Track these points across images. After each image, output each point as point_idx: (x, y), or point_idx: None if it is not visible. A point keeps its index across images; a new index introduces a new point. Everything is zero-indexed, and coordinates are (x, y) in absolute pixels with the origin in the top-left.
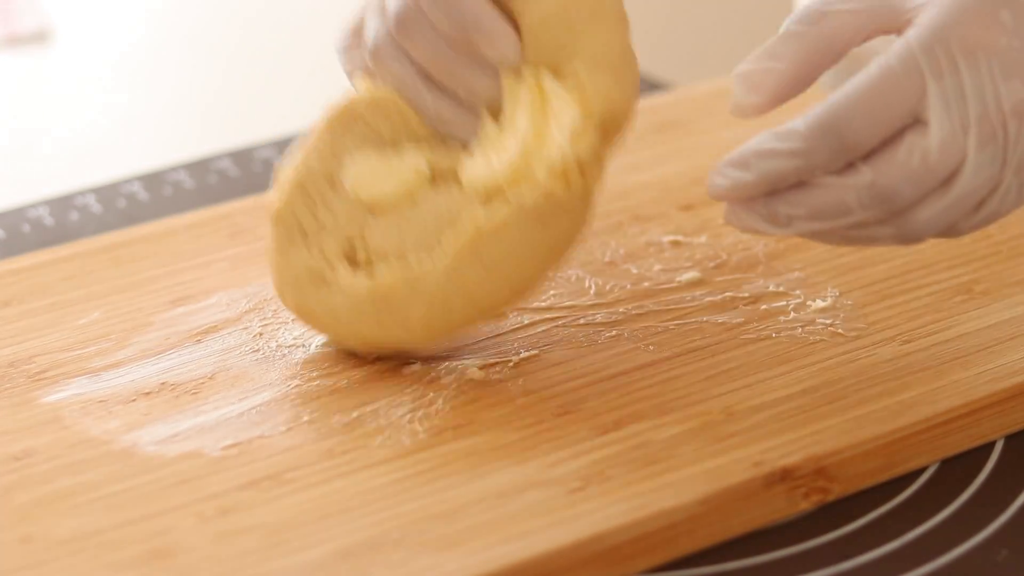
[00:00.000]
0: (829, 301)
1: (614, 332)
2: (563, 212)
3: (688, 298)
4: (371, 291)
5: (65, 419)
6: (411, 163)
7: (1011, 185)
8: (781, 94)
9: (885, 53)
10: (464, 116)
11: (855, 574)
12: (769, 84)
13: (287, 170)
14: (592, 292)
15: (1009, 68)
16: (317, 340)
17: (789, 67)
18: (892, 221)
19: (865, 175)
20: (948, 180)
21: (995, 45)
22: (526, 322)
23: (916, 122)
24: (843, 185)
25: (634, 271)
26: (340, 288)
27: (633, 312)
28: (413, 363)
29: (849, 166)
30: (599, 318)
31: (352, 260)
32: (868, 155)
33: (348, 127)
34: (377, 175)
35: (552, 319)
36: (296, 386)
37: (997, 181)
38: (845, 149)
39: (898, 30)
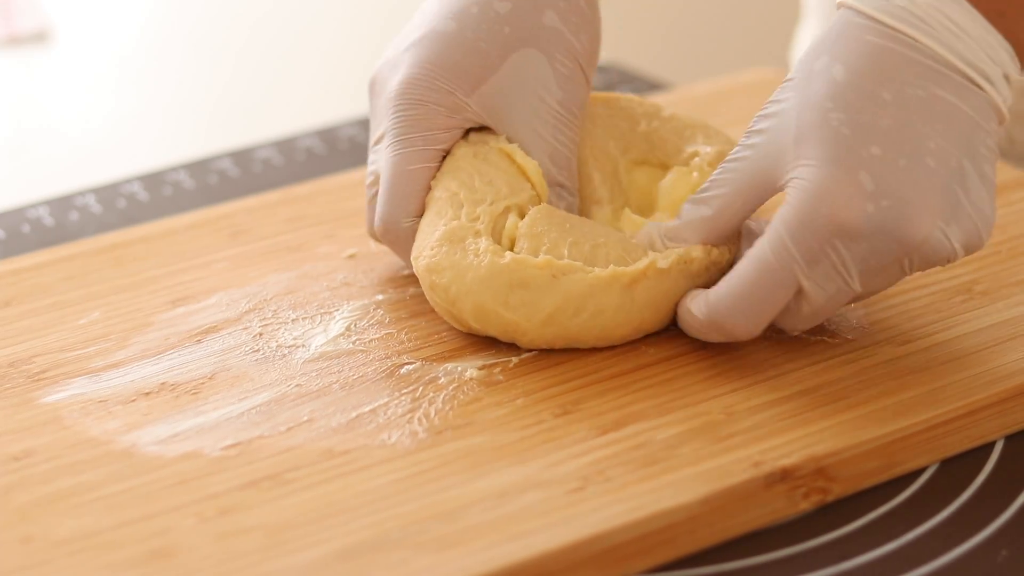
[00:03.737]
0: None
1: None
2: (709, 274)
3: None
4: (512, 267)
5: (65, 419)
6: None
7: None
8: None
9: (759, 242)
10: None
11: (855, 574)
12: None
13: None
14: None
15: (880, 230)
16: (317, 340)
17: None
18: None
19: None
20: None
21: (863, 215)
22: None
23: (800, 291)
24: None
25: None
26: (478, 253)
27: None
28: (413, 363)
29: None
30: None
31: (496, 237)
32: None
33: None
34: None
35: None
36: (296, 386)
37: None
38: (735, 337)
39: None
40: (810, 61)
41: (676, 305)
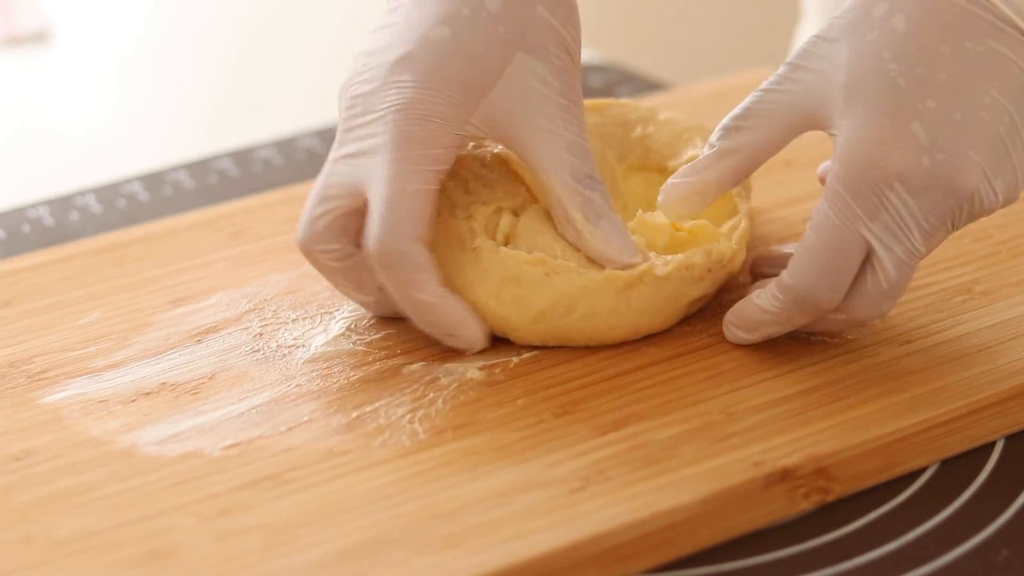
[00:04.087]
0: None
1: None
2: (707, 281)
3: None
4: (506, 262)
5: (65, 419)
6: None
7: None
8: (701, 205)
9: (817, 209)
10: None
11: (855, 574)
12: (694, 200)
13: None
14: None
15: (936, 183)
16: (318, 340)
17: (710, 184)
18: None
19: (841, 314)
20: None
21: (918, 167)
22: None
23: (870, 254)
24: (829, 320)
25: None
26: (473, 248)
27: None
28: (413, 363)
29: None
30: None
31: (491, 235)
32: None
33: None
34: None
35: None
36: (296, 386)
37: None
38: (821, 309)
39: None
40: (867, 6)
41: (684, 308)
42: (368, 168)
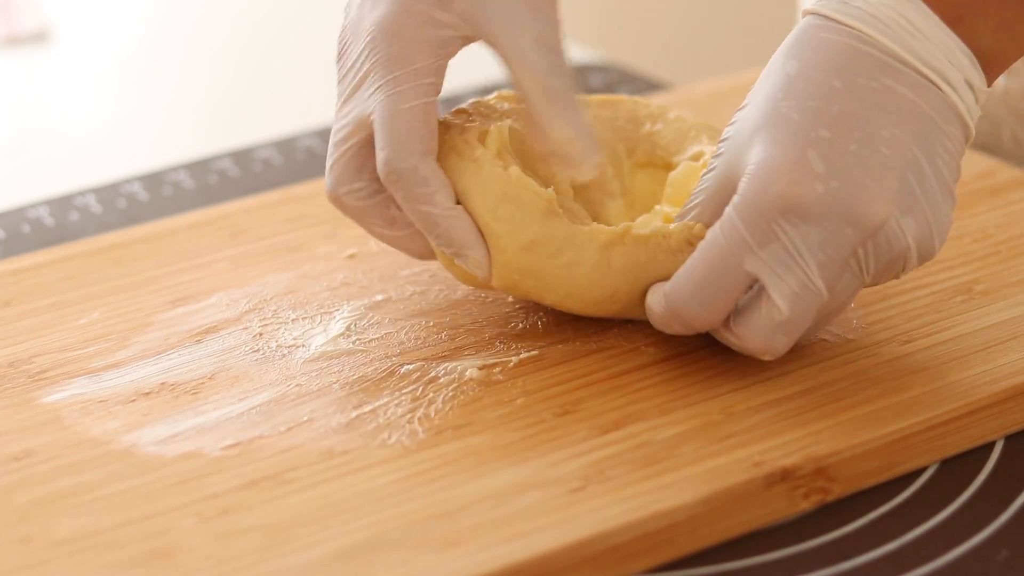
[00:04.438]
0: None
1: (614, 332)
2: (685, 255)
3: None
4: (514, 180)
5: (65, 419)
6: None
7: (864, 283)
8: None
9: (713, 228)
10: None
11: (855, 574)
12: None
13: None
14: None
15: (832, 211)
16: (317, 340)
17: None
18: None
19: (734, 338)
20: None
21: (812, 193)
22: (526, 321)
23: (763, 284)
24: (724, 338)
25: None
26: (475, 158)
27: None
28: (412, 363)
29: (724, 327)
30: (599, 318)
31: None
32: (735, 316)
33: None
34: None
35: (551, 319)
36: (296, 386)
37: (857, 287)
38: (695, 327)
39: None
40: (770, 64)
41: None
42: (365, 100)
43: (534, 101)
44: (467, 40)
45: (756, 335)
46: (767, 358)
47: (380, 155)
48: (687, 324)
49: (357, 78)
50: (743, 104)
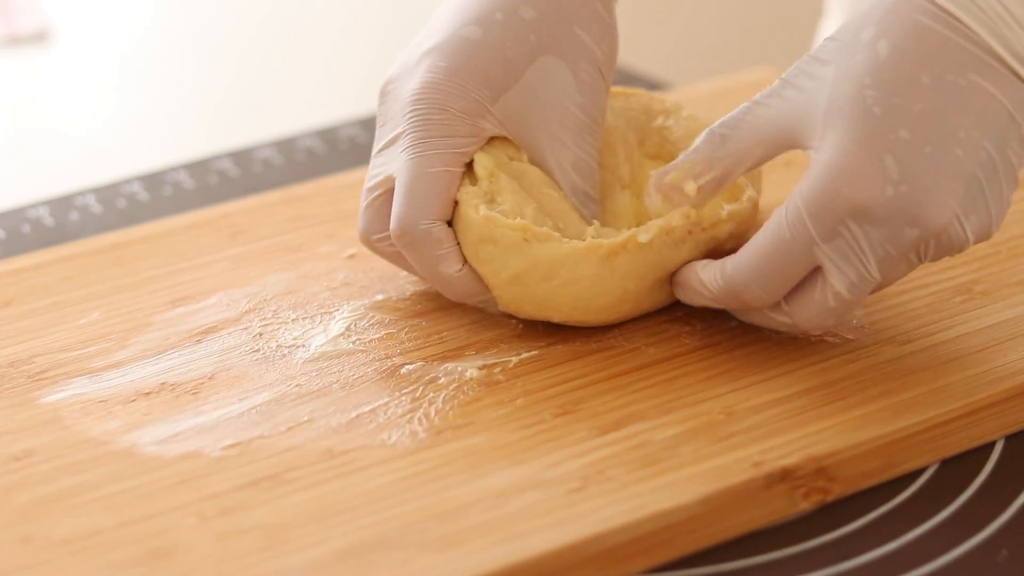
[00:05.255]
0: None
1: (614, 332)
2: (689, 244)
3: None
4: (483, 223)
5: (65, 419)
6: None
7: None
8: (680, 202)
9: (777, 213)
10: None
11: (855, 574)
12: (678, 199)
13: None
14: None
15: (898, 215)
16: (317, 340)
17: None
18: None
19: (786, 317)
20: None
21: (881, 198)
22: (526, 322)
23: (821, 269)
24: (771, 319)
25: None
26: (458, 206)
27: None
28: (412, 363)
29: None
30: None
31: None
32: (789, 295)
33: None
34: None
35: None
36: (296, 386)
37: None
38: (752, 305)
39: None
40: (857, 29)
41: (669, 275)
42: (394, 156)
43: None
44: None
45: (810, 315)
46: (816, 333)
47: (395, 212)
48: (745, 303)
49: (395, 132)
50: (819, 56)
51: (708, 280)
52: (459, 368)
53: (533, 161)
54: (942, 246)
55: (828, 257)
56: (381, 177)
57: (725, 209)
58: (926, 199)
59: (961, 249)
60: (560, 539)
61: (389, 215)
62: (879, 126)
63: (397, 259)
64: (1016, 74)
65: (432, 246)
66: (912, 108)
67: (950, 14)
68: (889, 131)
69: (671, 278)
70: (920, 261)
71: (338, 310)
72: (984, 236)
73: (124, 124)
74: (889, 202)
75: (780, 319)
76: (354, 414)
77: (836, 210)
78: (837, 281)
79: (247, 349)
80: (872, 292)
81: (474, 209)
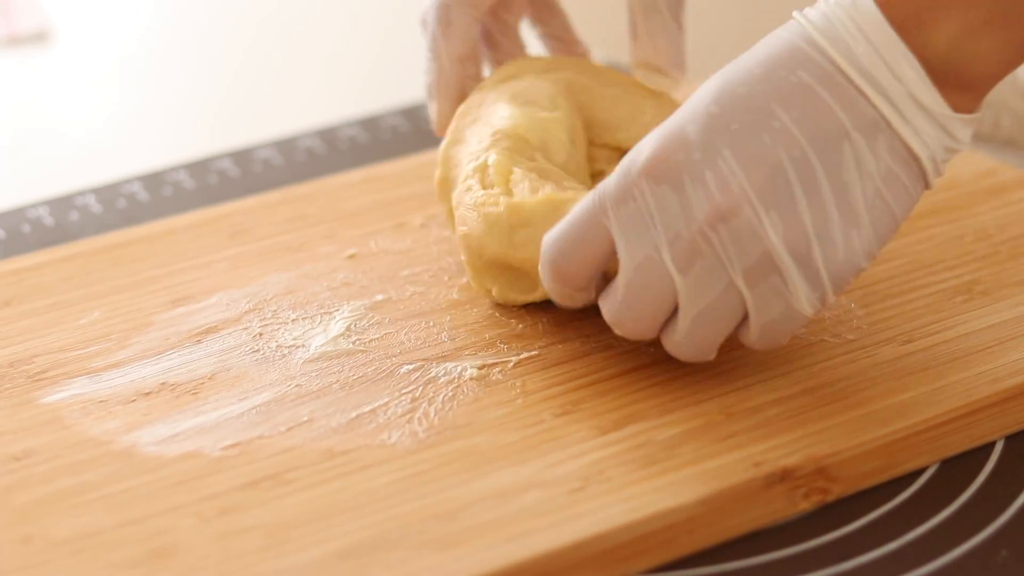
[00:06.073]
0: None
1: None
2: None
3: None
4: (509, 212)
5: (65, 419)
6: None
7: (762, 294)
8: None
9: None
10: None
11: (855, 574)
12: None
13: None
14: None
15: (688, 182)
16: (317, 340)
17: None
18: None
19: (604, 310)
20: (674, 307)
21: (672, 159)
22: (526, 322)
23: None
24: (605, 320)
25: None
26: (475, 206)
27: None
28: (412, 363)
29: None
30: (598, 318)
31: (483, 182)
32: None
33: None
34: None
35: (551, 319)
36: (296, 386)
37: (734, 296)
38: (568, 284)
39: None
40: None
41: None
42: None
43: (633, 11)
44: None
45: (606, 315)
46: (620, 332)
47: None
48: (564, 281)
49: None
50: None
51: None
52: (459, 368)
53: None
54: (741, 241)
55: (619, 225)
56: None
57: None
58: (717, 170)
59: (776, 265)
60: (560, 539)
61: None
62: (694, 100)
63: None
64: (863, 94)
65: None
66: (734, 90)
67: (805, 29)
68: (700, 105)
69: None
70: (725, 264)
71: (338, 310)
72: (808, 265)
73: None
74: (679, 164)
75: (606, 316)
76: (354, 414)
77: (631, 167)
78: (624, 257)
79: (247, 349)
80: (693, 321)
81: (495, 205)
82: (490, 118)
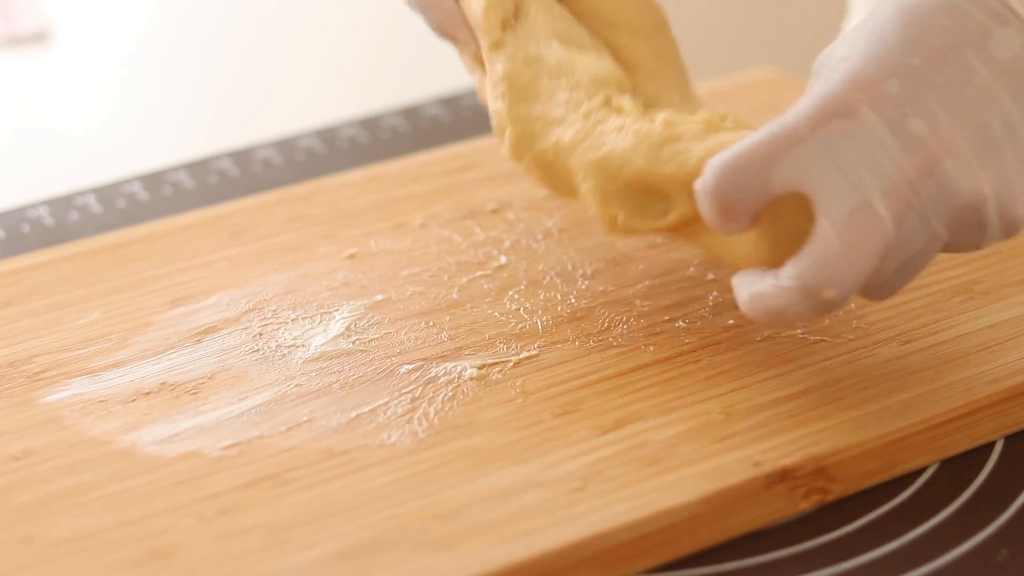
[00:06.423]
0: None
1: (614, 332)
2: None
3: (689, 299)
4: (667, 123)
5: (65, 419)
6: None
7: (960, 243)
8: None
9: (779, 117)
10: None
11: (855, 574)
12: None
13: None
14: (592, 291)
15: (893, 132)
16: (317, 340)
17: None
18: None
19: (792, 280)
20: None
21: (878, 101)
22: (525, 321)
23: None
24: (780, 293)
25: (640, 268)
26: (618, 127)
27: (633, 312)
28: (412, 363)
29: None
30: (598, 318)
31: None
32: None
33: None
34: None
35: (550, 319)
36: (296, 386)
37: (936, 244)
38: (729, 217)
39: None
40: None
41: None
42: None
43: None
44: None
45: (811, 267)
46: (825, 295)
47: None
48: (723, 204)
49: None
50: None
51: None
52: (458, 368)
53: None
54: (949, 196)
55: (823, 174)
56: None
57: None
58: (927, 122)
59: (982, 216)
60: (560, 539)
61: None
62: (891, 49)
63: None
64: None
65: None
66: (928, 41)
67: None
68: (900, 54)
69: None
70: (931, 221)
71: (338, 310)
72: (1012, 218)
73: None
74: (889, 123)
75: (786, 284)
76: (354, 414)
77: (833, 119)
78: (835, 210)
79: (247, 349)
80: (899, 271)
81: (651, 121)
82: (566, 70)
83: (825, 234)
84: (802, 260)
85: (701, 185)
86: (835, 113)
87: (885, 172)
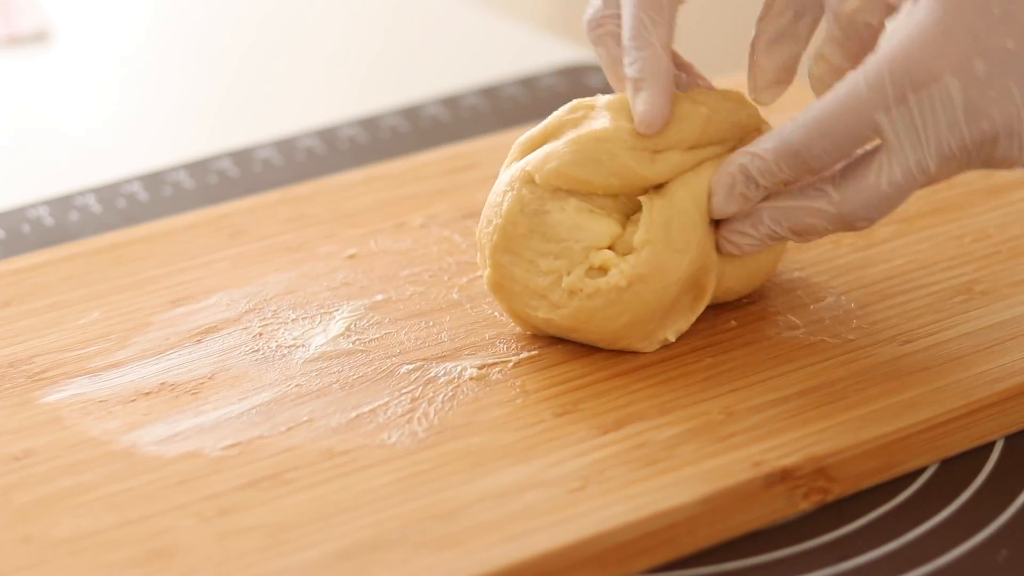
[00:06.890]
0: (829, 301)
1: None
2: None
3: None
4: (610, 287)
5: (65, 419)
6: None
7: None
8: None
9: (853, 76)
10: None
11: (855, 574)
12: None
13: (486, 238)
14: None
15: (973, 110)
16: (317, 340)
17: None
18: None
19: (831, 206)
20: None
21: (963, 73)
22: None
23: (881, 146)
24: (813, 210)
25: None
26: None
27: None
28: (412, 363)
29: (819, 188)
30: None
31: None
32: (838, 176)
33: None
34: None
35: None
36: (296, 386)
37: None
38: (809, 171)
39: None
40: None
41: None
42: None
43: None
44: None
45: (858, 201)
46: (857, 226)
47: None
48: (805, 166)
49: None
50: None
51: (761, 150)
52: (458, 368)
53: None
54: (1000, 153)
55: (893, 130)
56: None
57: None
58: (998, 96)
59: (1009, 168)
60: (561, 539)
61: None
62: (992, 32)
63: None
64: None
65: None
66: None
67: None
68: (982, 9)
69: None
70: (970, 165)
71: (338, 310)
72: None
73: (124, 124)
74: (970, 79)
75: (827, 210)
76: (354, 414)
77: (915, 79)
78: (897, 160)
79: (247, 349)
80: (921, 186)
81: (683, 188)
82: (563, 236)
83: (882, 171)
84: (848, 191)
85: (776, 152)
86: (918, 83)
87: (949, 131)
